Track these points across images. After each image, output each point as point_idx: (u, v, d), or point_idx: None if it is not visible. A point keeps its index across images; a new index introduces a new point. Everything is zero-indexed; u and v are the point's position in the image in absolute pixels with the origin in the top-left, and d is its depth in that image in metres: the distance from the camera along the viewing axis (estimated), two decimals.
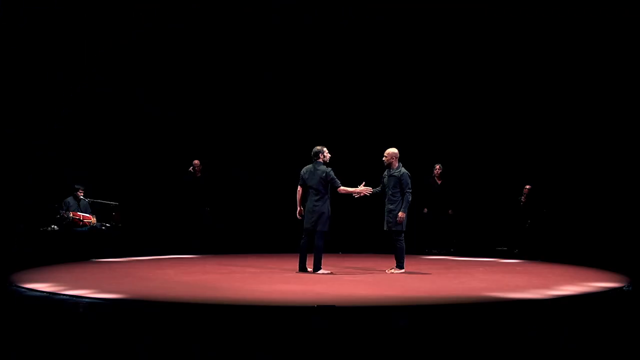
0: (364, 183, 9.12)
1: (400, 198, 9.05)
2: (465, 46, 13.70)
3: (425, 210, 12.88)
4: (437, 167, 12.97)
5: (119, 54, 13.43)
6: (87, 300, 6.82)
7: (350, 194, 9.12)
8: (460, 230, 13.24)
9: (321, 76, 13.98)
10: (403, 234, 9.12)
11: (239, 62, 13.94)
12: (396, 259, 9.16)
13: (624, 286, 7.85)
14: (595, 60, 13.01)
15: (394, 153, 9.22)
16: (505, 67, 13.56)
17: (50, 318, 6.11)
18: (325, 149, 9.11)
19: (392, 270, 9.11)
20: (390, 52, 13.92)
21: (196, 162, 12.83)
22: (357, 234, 13.36)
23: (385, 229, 9.16)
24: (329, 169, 8.98)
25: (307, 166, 9.10)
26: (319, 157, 9.04)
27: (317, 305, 6.08)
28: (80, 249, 11.23)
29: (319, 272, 8.91)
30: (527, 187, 12.76)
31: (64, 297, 6.96)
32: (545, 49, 13.31)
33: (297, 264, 9.12)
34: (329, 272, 8.98)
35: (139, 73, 13.54)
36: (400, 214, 8.97)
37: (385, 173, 9.28)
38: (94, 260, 10.87)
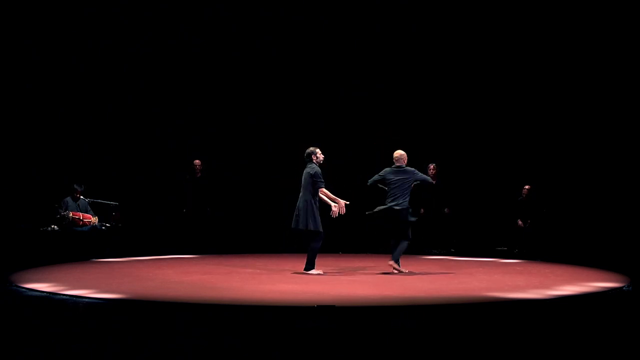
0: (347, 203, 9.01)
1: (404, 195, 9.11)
2: (464, 44, 13.68)
3: (422, 211, 12.86)
4: (432, 166, 12.90)
5: (117, 54, 13.42)
6: (87, 300, 6.83)
7: (326, 203, 8.96)
8: (459, 230, 13.22)
9: (319, 75, 13.95)
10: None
11: (239, 61, 13.93)
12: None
13: (624, 286, 7.85)
14: (595, 60, 13.00)
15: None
16: (504, 65, 13.53)
17: (50, 318, 6.11)
18: (318, 150, 9.05)
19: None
20: (387, 51, 13.90)
21: (197, 162, 12.83)
22: (357, 234, 13.34)
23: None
24: (317, 168, 8.93)
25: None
26: (312, 159, 9.03)
27: (317, 305, 6.08)
28: (80, 249, 11.22)
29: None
30: (527, 187, 12.75)
31: (64, 297, 6.96)
32: (545, 49, 13.30)
33: (297, 263, 9.14)
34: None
35: (139, 73, 13.53)
36: None
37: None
38: (94, 260, 10.88)
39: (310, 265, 8.90)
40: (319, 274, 8.80)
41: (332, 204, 8.94)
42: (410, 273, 9.03)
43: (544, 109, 13.46)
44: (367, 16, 13.68)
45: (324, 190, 8.93)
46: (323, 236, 8.94)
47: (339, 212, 8.92)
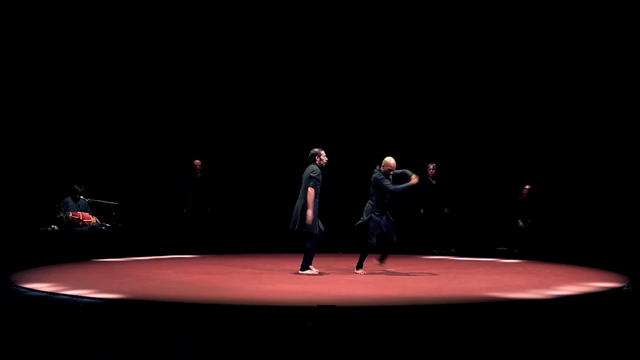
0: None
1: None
2: (464, 44, 13.67)
3: (422, 211, 12.86)
4: (431, 166, 12.89)
5: (117, 54, 13.41)
6: (87, 300, 6.83)
7: (308, 203, 8.73)
8: (459, 230, 13.22)
9: (319, 75, 13.94)
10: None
11: (239, 61, 13.93)
12: None
13: (624, 286, 7.85)
14: (595, 60, 13.00)
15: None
16: (504, 65, 13.53)
17: (50, 318, 6.11)
18: (322, 152, 8.93)
19: None
20: (386, 51, 13.89)
21: (197, 161, 12.83)
22: (357, 234, 13.31)
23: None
24: (318, 170, 8.83)
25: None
26: (315, 160, 8.98)
27: (317, 305, 6.08)
28: (80, 249, 11.22)
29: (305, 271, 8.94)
30: (527, 187, 12.75)
31: (64, 297, 6.96)
32: (545, 49, 13.30)
33: (297, 263, 9.13)
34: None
35: (139, 73, 13.53)
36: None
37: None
38: (94, 260, 10.88)
39: (305, 266, 8.89)
40: (315, 274, 8.80)
41: (310, 212, 8.66)
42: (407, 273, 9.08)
43: (543, 109, 13.45)
44: (367, 16, 13.68)
45: (313, 191, 8.70)
46: (321, 237, 8.92)
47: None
